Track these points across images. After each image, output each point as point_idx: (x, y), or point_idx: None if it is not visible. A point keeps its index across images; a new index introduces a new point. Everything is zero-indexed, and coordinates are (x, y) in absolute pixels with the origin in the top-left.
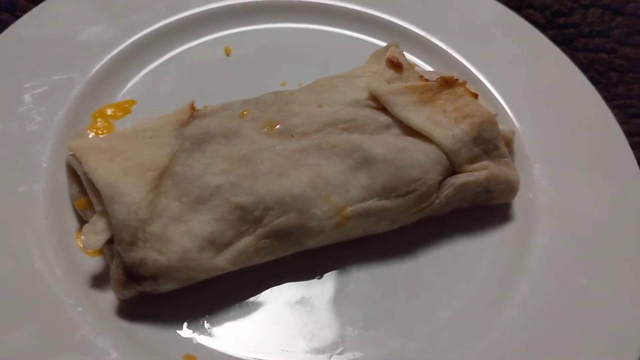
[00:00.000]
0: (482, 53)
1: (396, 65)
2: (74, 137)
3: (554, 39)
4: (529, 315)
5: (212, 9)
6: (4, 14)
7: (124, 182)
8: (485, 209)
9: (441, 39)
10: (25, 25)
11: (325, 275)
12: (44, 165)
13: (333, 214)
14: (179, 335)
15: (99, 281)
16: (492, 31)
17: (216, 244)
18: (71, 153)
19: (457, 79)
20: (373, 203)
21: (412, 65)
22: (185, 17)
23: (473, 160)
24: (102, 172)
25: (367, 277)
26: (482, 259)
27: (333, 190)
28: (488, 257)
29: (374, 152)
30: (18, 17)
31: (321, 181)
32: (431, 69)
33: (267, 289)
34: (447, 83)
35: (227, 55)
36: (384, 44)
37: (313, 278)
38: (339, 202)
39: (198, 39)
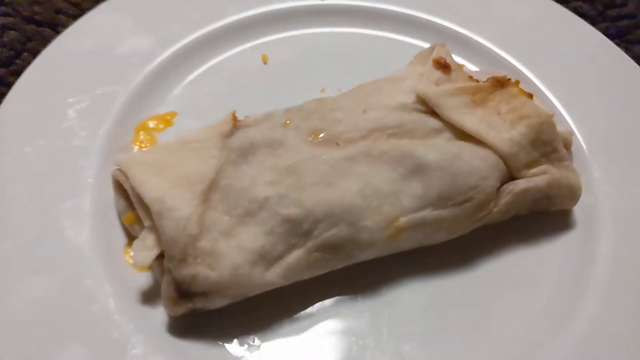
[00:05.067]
0: (530, 50)
1: (444, 66)
2: (120, 151)
3: (607, 32)
4: (599, 330)
5: (248, 16)
6: (46, 30)
7: (172, 196)
8: (544, 216)
9: (485, 37)
10: (66, 40)
11: (377, 289)
12: (90, 180)
13: (385, 225)
14: (230, 352)
15: (148, 297)
16: (539, 27)
17: (267, 258)
18: (117, 167)
19: (509, 79)
20: (428, 213)
21: (460, 66)
22: (222, 26)
23: (531, 164)
24: (150, 186)
25: (421, 290)
26: (545, 270)
27: (384, 200)
28: (551, 268)
29: (426, 159)
30: (59, 33)
31: (371, 190)
32: (478, 69)
33: (317, 303)
34: (500, 83)
35: (265, 63)
36: (424, 45)
37: (366, 291)
38: (391, 212)
39: (235, 47)
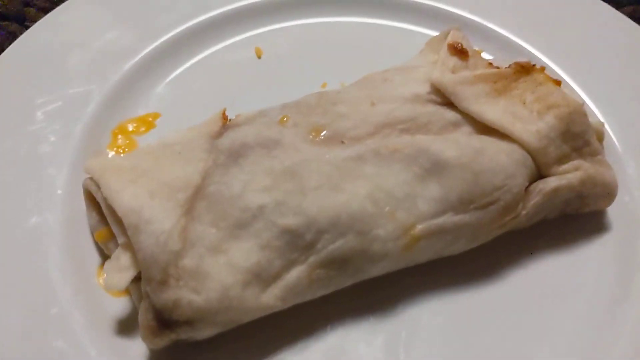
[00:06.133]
0: (552, 37)
1: (460, 51)
2: (92, 157)
3: (633, 15)
4: None
5: (240, 7)
6: (13, 24)
7: (151, 206)
8: (576, 218)
9: (502, 25)
10: (36, 35)
11: (391, 307)
12: (59, 191)
13: (400, 233)
14: None
15: (125, 327)
16: (561, 11)
17: (263, 278)
18: (89, 176)
19: (534, 65)
20: (448, 219)
21: (478, 51)
22: (211, 17)
23: (562, 159)
24: (125, 196)
25: (441, 308)
26: (579, 280)
27: (398, 205)
28: (586, 277)
29: (444, 156)
30: (28, 28)
31: (383, 194)
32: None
33: (324, 328)
34: (524, 69)
35: (259, 57)
36: (432, 33)
37: (378, 311)
38: (406, 219)
39: (225, 40)
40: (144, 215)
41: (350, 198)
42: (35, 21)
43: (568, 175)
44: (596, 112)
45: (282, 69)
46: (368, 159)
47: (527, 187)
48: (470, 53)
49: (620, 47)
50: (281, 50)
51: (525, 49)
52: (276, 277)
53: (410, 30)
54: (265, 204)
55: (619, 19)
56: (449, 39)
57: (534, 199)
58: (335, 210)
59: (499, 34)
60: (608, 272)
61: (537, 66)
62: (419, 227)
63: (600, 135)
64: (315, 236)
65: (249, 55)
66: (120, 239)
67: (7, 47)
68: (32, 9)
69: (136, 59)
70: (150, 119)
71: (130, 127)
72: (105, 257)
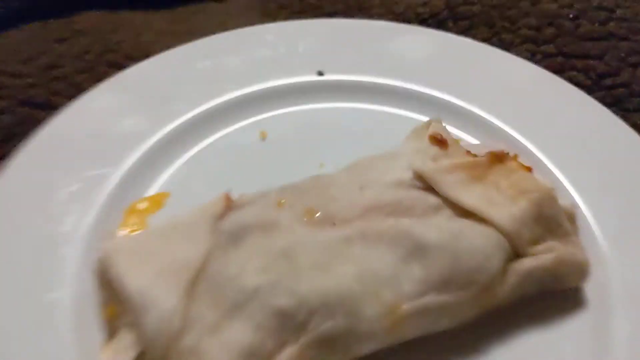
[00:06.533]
0: (529, 121)
1: (440, 141)
2: (105, 237)
3: (603, 100)
4: None
5: (247, 93)
6: (41, 112)
7: (156, 287)
8: (553, 295)
9: (482, 109)
10: (58, 122)
11: None
12: (72, 269)
13: (386, 313)
14: None
15: None
16: (535, 97)
17: (256, 358)
18: (101, 255)
19: (507, 153)
20: (431, 298)
21: (457, 141)
22: (220, 103)
23: (536, 241)
24: (132, 277)
25: None
26: (558, 355)
27: (383, 286)
28: (564, 353)
29: (425, 239)
30: (52, 113)
31: (369, 275)
32: (476, 142)
33: None
34: (498, 158)
35: (263, 139)
36: (423, 117)
37: None
38: (392, 299)
39: (233, 124)
40: (149, 295)
41: (339, 279)
42: (60, 108)
43: (542, 256)
44: (572, 193)
45: (284, 151)
46: (356, 240)
47: (504, 268)
48: (449, 142)
49: (594, 131)
50: (284, 133)
51: (507, 132)
52: (269, 357)
53: (402, 115)
54: (259, 285)
55: (591, 105)
56: (430, 131)
57: (511, 279)
58: (326, 290)
59: (482, 118)
60: (584, 347)
61: (511, 154)
62: (404, 307)
63: (572, 217)
64: (306, 317)
65: (254, 138)
66: (127, 318)
67: (33, 131)
68: (59, 97)
69: (149, 143)
70: (160, 199)
71: (141, 207)
72: (111, 333)
